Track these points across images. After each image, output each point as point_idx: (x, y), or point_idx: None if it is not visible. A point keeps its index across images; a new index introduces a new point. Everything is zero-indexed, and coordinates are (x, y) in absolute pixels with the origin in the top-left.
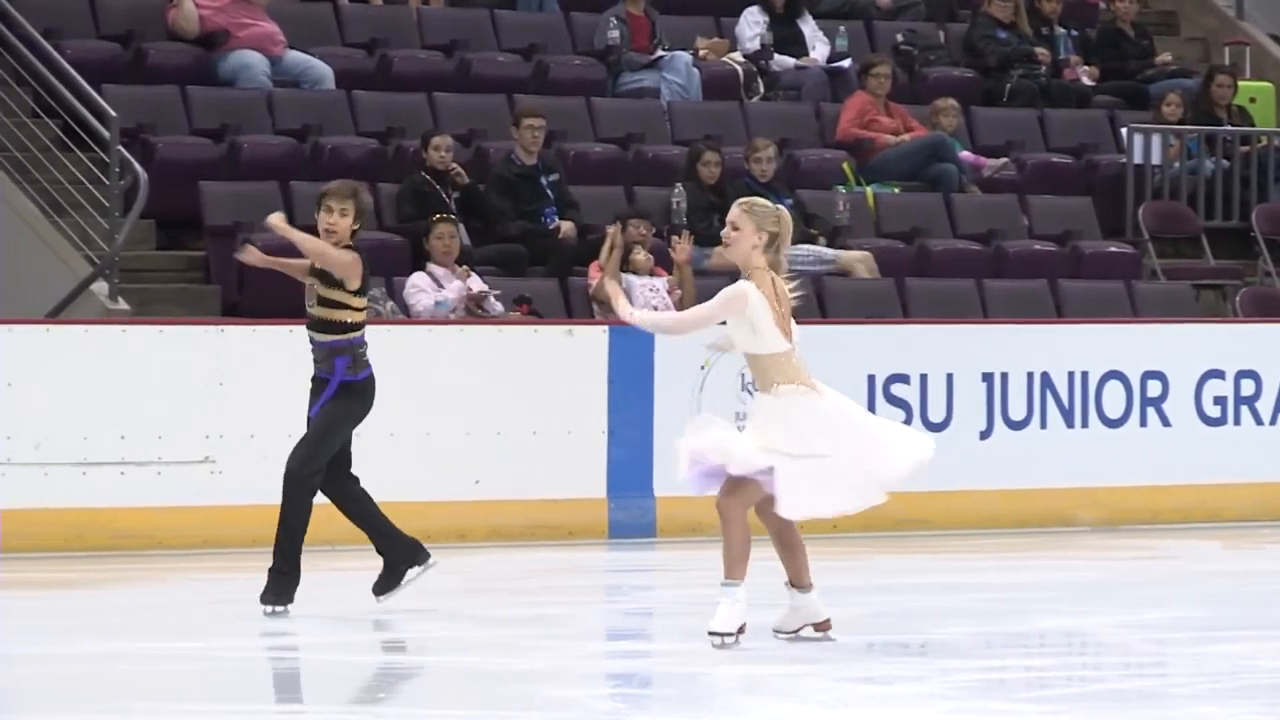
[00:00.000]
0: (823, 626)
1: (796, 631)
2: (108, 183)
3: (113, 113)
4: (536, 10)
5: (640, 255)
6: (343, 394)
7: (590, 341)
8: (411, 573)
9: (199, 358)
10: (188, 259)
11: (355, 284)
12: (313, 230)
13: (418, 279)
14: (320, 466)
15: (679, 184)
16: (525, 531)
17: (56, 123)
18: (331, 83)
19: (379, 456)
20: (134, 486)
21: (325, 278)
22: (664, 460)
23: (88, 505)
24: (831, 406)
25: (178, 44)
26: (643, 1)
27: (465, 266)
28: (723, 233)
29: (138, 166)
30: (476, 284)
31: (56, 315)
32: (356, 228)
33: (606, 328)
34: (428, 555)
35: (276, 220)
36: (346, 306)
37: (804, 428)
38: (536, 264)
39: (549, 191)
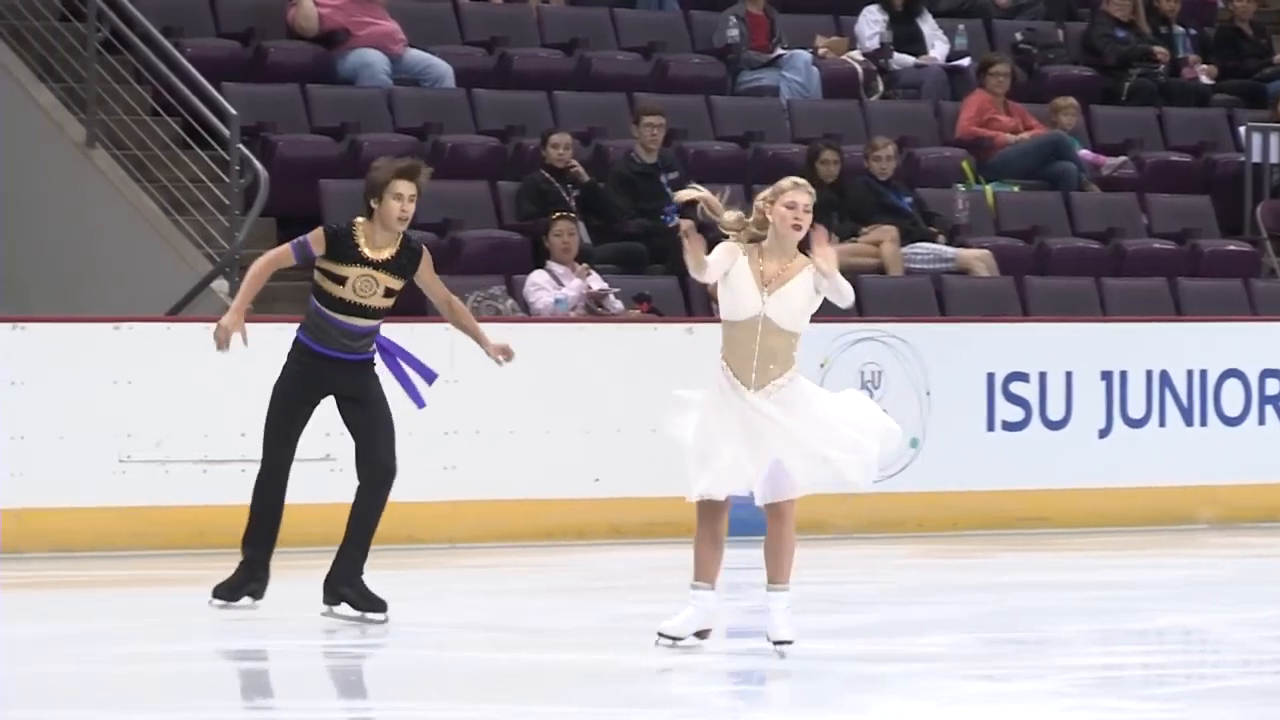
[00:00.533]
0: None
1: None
2: (228, 181)
3: (233, 111)
4: (656, 8)
5: None
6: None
7: (710, 339)
8: (244, 602)
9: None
10: None
11: None
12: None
13: (537, 277)
14: None
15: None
16: (645, 529)
17: (177, 121)
18: (451, 81)
19: (499, 454)
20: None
21: (398, 270)
22: None
23: (209, 503)
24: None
25: (298, 42)
26: (762, 0)
27: (585, 264)
28: (800, 215)
29: (258, 165)
30: (596, 282)
31: (177, 313)
32: None
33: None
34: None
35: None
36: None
37: (810, 406)
38: (656, 262)
39: (668, 190)
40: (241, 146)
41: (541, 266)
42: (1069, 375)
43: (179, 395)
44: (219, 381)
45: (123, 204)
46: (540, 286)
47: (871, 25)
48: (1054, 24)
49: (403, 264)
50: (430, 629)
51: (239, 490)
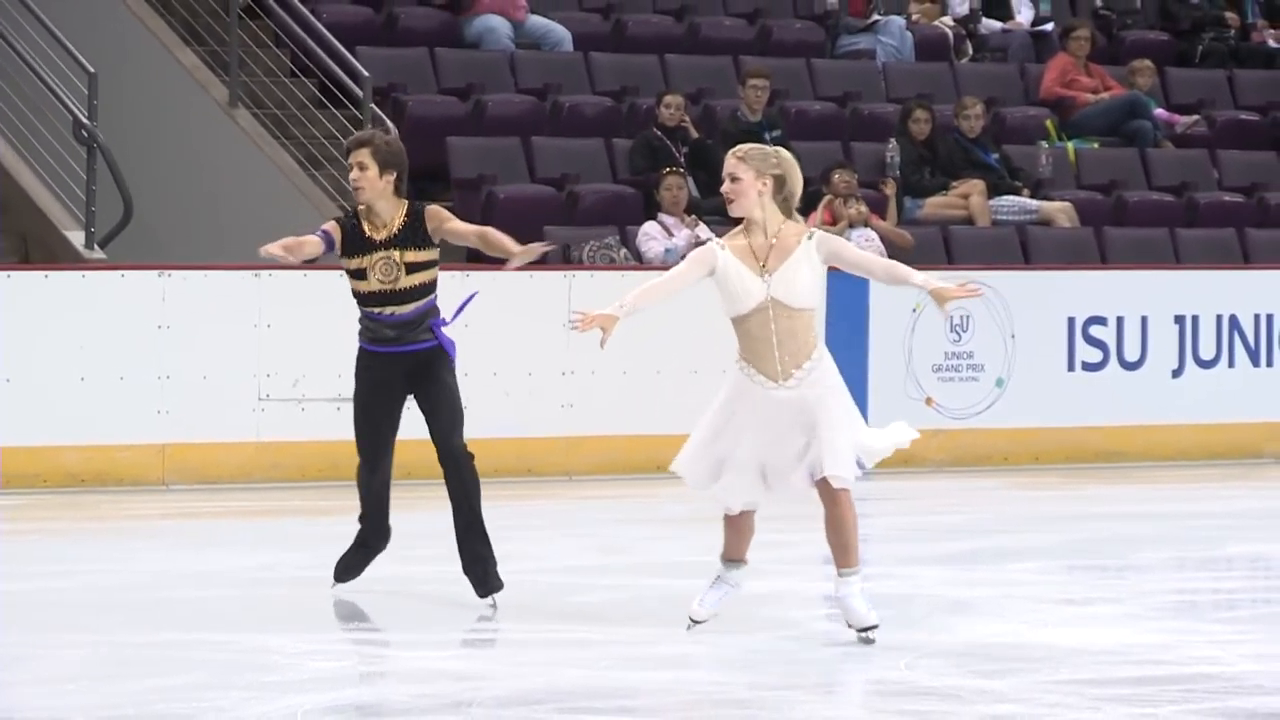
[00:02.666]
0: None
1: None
2: None
3: (366, 73)
4: None
5: (853, 209)
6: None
7: None
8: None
9: (446, 298)
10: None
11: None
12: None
13: (649, 228)
14: None
15: (893, 139)
16: None
17: (313, 82)
18: (570, 45)
19: (615, 393)
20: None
21: (412, 242)
22: (877, 398)
23: (341, 438)
24: None
25: (426, 8)
26: None
27: (693, 216)
28: (727, 187)
29: (389, 123)
30: (704, 232)
31: (313, 262)
32: (392, 177)
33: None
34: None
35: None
36: (436, 263)
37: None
38: None
39: (771, 145)
40: (374, 106)
41: (653, 218)
42: (1144, 319)
43: (314, 338)
44: (352, 325)
45: (262, 160)
46: (652, 237)
47: None
48: None
49: (413, 232)
50: (549, 556)
51: None
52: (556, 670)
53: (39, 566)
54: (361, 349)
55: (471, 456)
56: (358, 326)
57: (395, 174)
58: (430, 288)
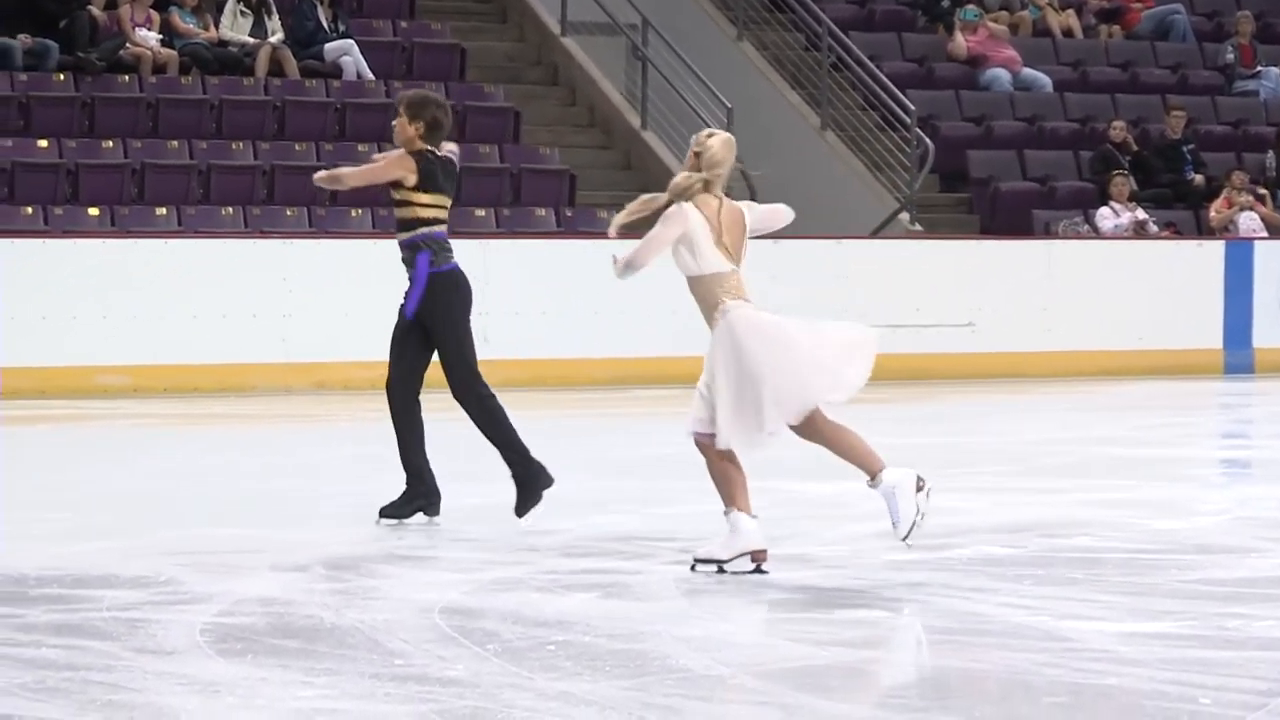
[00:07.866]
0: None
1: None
2: (909, 150)
3: (912, 107)
4: (1181, 42)
5: (1244, 197)
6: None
7: (1212, 251)
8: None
9: (963, 259)
10: (958, 199)
11: (411, 180)
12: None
13: (1104, 211)
14: (474, 369)
15: (1270, 151)
16: (1177, 369)
17: (877, 114)
18: (1050, 88)
19: (1090, 314)
20: (930, 339)
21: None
22: (1259, 329)
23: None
24: (769, 320)
25: (954, 64)
26: (1249, 35)
27: (1134, 203)
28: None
29: (928, 141)
30: (1141, 214)
31: (877, 234)
32: (416, 131)
33: (1223, 242)
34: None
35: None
36: (410, 204)
37: (747, 346)
38: (1179, 201)
39: (1187, 156)
40: (918, 129)
41: (1106, 204)
42: None
43: (887, 288)
44: (904, 278)
45: (844, 167)
46: (1106, 217)
47: None
48: None
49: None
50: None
51: (918, 344)
52: (1012, 509)
53: None
54: (455, 270)
55: (477, 398)
56: (434, 253)
57: (423, 129)
58: (407, 224)
